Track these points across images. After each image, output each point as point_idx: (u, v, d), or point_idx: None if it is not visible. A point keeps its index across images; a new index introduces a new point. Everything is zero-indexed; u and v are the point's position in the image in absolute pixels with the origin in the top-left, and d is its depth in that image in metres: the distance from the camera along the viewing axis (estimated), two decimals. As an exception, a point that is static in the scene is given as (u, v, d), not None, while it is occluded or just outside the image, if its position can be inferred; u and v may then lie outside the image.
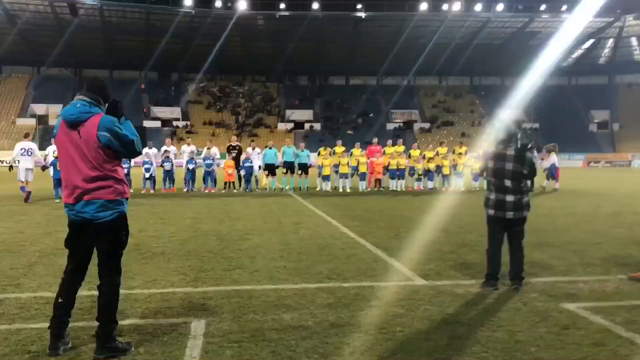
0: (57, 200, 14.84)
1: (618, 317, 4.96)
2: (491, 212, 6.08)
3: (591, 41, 70.32)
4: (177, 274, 6.59)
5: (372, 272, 6.80)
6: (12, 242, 8.80)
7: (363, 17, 61.83)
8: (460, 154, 21.40)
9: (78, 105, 4.11)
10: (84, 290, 5.05)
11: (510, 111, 6.24)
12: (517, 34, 67.05)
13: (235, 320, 4.85)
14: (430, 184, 21.29)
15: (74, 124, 4.08)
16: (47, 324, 4.14)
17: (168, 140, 21.95)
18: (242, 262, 7.29)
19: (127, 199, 4.27)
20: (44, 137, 53.97)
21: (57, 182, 14.81)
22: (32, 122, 60.70)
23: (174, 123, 67.26)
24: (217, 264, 7.17)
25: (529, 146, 5.93)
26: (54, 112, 59.31)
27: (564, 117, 67.07)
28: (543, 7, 62.85)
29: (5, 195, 17.41)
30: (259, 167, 20.48)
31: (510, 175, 5.91)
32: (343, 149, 21.11)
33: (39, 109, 63.58)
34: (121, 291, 4.34)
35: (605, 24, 65.74)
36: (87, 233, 4.15)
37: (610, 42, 71.76)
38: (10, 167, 15.74)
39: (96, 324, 4.11)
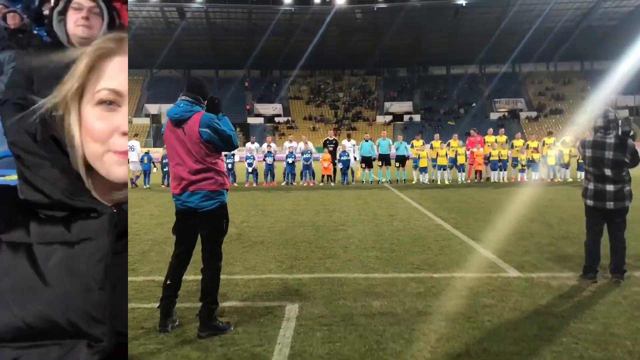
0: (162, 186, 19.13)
1: None
2: (590, 202, 5.86)
3: None
4: (274, 262, 6.96)
5: (464, 263, 6.78)
6: (129, 231, 9.61)
7: (463, 4, 59.99)
8: (548, 144, 20.57)
9: (181, 105, 4.53)
10: (190, 275, 5.51)
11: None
12: (635, 13, 62.06)
13: (327, 305, 5.09)
14: (534, 175, 20.46)
15: (178, 122, 4.50)
16: (157, 304, 4.62)
17: (269, 138, 22.91)
18: (335, 251, 7.54)
19: (227, 189, 4.63)
20: (158, 135, 57.61)
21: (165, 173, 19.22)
22: (146, 121, 64.98)
23: (276, 119, 69.21)
24: (311, 253, 7.48)
25: (631, 133, 5.66)
26: (166, 111, 63.08)
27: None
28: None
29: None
30: (354, 158, 20.71)
31: (611, 164, 5.67)
32: (440, 142, 20.82)
33: (152, 108, 67.62)
34: (223, 276, 4.73)
35: None
36: (192, 221, 4.56)
37: None
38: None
39: (200, 304, 4.51)
